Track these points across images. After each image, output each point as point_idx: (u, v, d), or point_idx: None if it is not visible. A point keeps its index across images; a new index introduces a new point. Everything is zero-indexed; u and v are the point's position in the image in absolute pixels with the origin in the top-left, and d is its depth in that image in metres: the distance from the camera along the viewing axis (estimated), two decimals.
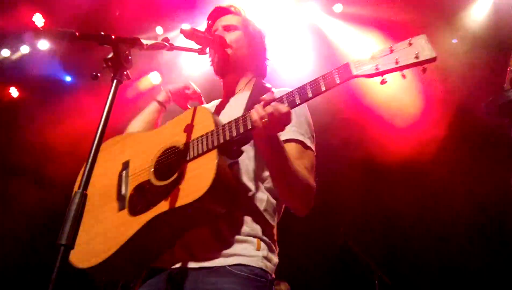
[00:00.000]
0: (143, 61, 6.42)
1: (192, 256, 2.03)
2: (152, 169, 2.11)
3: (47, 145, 6.53)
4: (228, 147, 2.01)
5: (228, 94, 2.52)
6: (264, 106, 1.85)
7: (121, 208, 2.09)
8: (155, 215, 1.92)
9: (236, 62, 2.46)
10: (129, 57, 1.69)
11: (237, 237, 2.06)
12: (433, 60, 1.73)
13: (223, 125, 2.00)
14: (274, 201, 2.24)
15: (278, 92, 2.36)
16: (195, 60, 6.05)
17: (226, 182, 1.95)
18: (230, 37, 2.47)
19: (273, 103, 1.84)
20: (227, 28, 2.52)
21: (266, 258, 2.10)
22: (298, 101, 1.88)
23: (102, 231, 2.07)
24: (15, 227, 6.52)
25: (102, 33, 1.61)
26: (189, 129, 2.11)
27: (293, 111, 1.95)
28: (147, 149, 2.22)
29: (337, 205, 6.28)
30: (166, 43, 1.96)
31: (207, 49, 2.38)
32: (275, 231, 2.25)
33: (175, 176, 1.99)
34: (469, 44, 5.49)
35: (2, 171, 6.92)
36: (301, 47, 6.16)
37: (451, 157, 5.78)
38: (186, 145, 2.06)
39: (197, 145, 2.02)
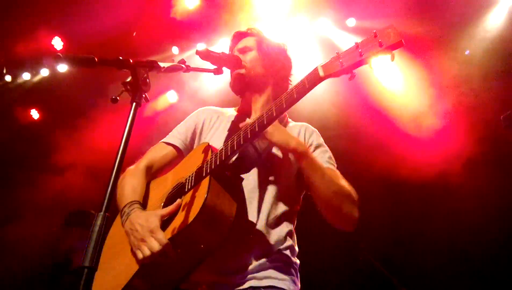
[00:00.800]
0: (161, 80, 6.53)
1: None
2: (162, 206, 2.17)
3: (69, 167, 6.63)
4: (222, 173, 2.06)
5: (243, 110, 2.61)
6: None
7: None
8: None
9: (251, 80, 2.53)
10: (147, 80, 1.73)
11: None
12: (399, 44, 1.69)
13: (216, 154, 2.07)
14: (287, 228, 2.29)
15: (293, 126, 2.45)
16: (211, 78, 6.11)
17: (219, 207, 1.95)
18: (244, 58, 2.55)
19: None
20: (242, 51, 2.60)
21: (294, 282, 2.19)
22: (274, 114, 1.94)
23: (117, 271, 2.10)
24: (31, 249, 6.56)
25: (121, 58, 1.65)
26: (193, 165, 2.18)
27: (316, 142, 2.35)
28: (159, 192, 2.30)
29: (359, 221, 6.22)
30: (183, 65, 2.00)
31: (223, 68, 2.42)
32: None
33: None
34: (484, 55, 5.45)
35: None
36: (314, 63, 6.18)
37: (478, 173, 5.69)
38: (187, 178, 2.14)
39: (195, 175, 2.10)
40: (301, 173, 2.21)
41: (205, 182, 1.99)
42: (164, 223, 2.00)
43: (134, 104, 1.65)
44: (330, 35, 6.21)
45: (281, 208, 2.27)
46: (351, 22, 6.09)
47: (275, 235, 2.21)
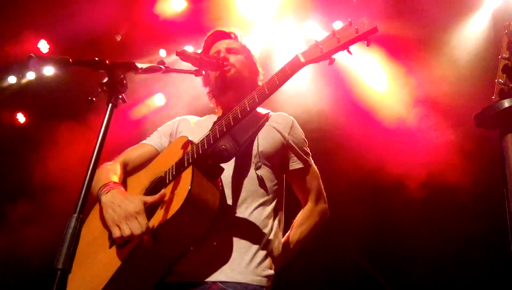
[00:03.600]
0: (148, 83, 6.51)
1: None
2: None
3: (51, 172, 6.58)
4: (204, 163, 2.06)
5: (226, 111, 2.56)
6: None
7: (111, 244, 2.11)
8: (136, 242, 1.93)
9: (237, 81, 2.54)
10: (124, 81, 1.72)
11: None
12: (374, 30, 1.83)
13: (197, 143, 2.09)
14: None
15: (276, 115, 2.47)
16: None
17: (203, 196, 1.96)
18: (233, 58, 2.57)
19: None
20: (230, 51, 2.61)
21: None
22: (257, 100, 2.01)
23: (96, 269, 2.08)
24: (13, 256, 6.51)
25: (96, 58, 1.64)
26: (170, 158, 2.19)
27: (297, 137, 2.46)
28: (136, 186, 2.29)
29: (346, 221, 6.25)
30: (162, 66, 1.99)
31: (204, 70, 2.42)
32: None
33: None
34: (468, 57, 5.51)
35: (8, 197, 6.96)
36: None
37: (460, 173, 5.73)
38: (166, 171, 2.14)
39: (175, 166, 2.10)
40: (284, 163, 2.43)
41: (187, 172, 2.00)
42: (147, 212, 1.98)
43: (110, 105, 1.64)
44: (317, 38, 6.22)
45: (261, 198, 2.27)
46: (338, 25, 6.11)
47: (255, 226, 2.21)
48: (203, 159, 2.05)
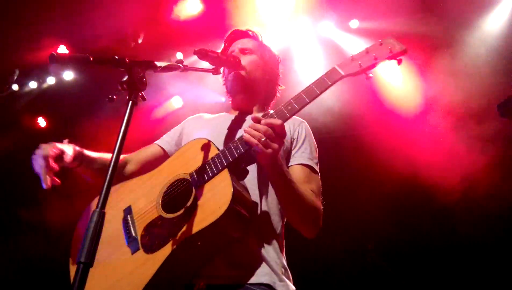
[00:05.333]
0: (167, 86, 6.59)
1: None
2: (160, 205, 2.13)
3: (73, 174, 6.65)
4: (237, 166, 2.06)
5: (242, 110, 2.61)
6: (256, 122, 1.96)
7: (134, 250, 2.08)
8: (178, 243, 1.92)
9: (248, 83, 2.55)
10: (144, 79, 1.74)
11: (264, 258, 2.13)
12: (404, 52, 2.03)
13: (228, 147, 2.06)
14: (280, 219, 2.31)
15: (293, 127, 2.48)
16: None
17: (242, 197, 1.97)
18: (245, 59, 2.56)
19: (264, 120, 1.94)
20: (243, 51, 2.61)
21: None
22: (297, 108, 2.03)
23: (121, 276, 2.04)
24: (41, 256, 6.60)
25: (116, 57, 1.66)
26: (191, 160, 2.16)
27: (301, 136, 2.33)
28: (147, 191, 2.25)
29: (366, 222, 6.21)
30: (180, 65, 2.00)
31: (221, 69, 2.43)
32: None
33: (188, 204, 2.00)
34: (486, 55, 5.44)
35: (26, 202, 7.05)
36: (318, 64, 6.18)
37: (485, 177, 5.65)
38: (193, 174, 2.10)
39: (205, 170, 2.06)
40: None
41: (223, 176, 2.00)
42: (181, 216, 1.99)
43: (130, 102, 1.66)
44: (333, 37, 6.21)
45: (273, 200, 2.27)
46: (354, 23, 6.08)
47: (273, 229, 2.23)
48: (236, 163, 2.05)
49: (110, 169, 1.50)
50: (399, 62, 2.04)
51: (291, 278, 2.24)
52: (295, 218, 2.20)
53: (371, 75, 2.06)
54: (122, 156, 2.35)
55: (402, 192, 6.02)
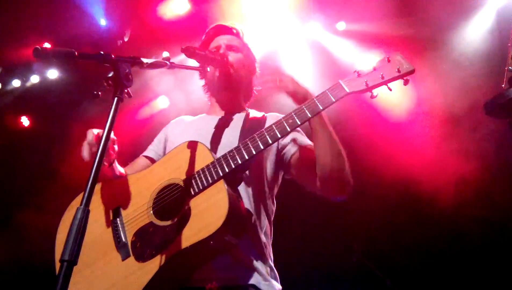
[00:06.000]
0: (152, 85, 6.54)
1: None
2: (151, 211, 2.07)
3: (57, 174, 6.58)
4: (232, 175, 2.03)
5: (223, 110, 2.60)
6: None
7: (125, 257, 2.03)
8: (172, 254, 1.88)
9: (235, 80, 2.54)
10: (130, 76, 1.71)
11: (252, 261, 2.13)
12: (412, 72, 1.97)
13: (224, 156, 2.03)
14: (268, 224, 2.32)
15: (270, 116, 2.46)
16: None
17: (238, 210, 1.94)
18: (232, 57, 2.54)
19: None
20: (230, 48, 2.60)
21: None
22: (298, 122, 2.01)
23: (111, 283, 1.99)
24: (17, 256, 6.52)
25: (102, 52, 1.64)
26: (184, 165, 2.10)
27: None
28: (137, 193, 2.18)
29: (351, 222, 6.24)
30: (167, 62, 1.98)
31: (208, 67, 2.41)
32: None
33: (181, 213, 1.96)
34: (471, 58, 5.50)
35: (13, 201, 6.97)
36: (305, 66, 6.19)
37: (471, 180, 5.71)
38: (187, 180, 2.04)
39: (200, 178, 2.01)
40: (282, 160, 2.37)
41: (219, 187, 1.95)
42: (176, 224, 1.95)
43: (116, 99, 1.64)
44: (320, 39, 6.23)
45: (262, 203, 2.28)
46: (341, 25, 6.10)
47: (260, 230, 2.23)
48: (232, 172, 2.02)
49: (95, 165, 1.47)
50: (406, 82, 1.99)
51: (277, 278, 2.24)
52: (338, 162, 2.14)
53: (376, 94, 2.01)
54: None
55: (389, 192, 6.05)
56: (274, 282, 2.18)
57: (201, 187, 1.99)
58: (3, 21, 6.06)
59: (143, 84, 6.52)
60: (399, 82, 1.99)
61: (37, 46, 1.44)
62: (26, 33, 6.22)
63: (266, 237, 2.25)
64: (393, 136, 5.91)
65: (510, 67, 1.27)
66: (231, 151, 2.04)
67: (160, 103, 6.98)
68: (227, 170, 1.98)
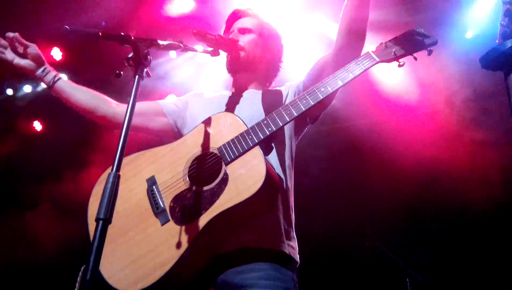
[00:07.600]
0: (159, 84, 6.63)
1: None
2: (187, 178, 2.15)
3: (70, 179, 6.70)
4: (266, 144, 2.13)
5: (239, 90, 2.66)
6: None
7: (164, 221, 2.08)
8: (213, 216, 1.96)
9: (247, 62, 2.62)
10: (148, 56, 1.82)
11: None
12: (435, 43, 2.16)
13: (258, 124, 2.13)
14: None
15: (290, 85, 2.54)
16: None
17: (273, 175, 2.04)
18: (243, 39, 2.63)
19: None
20: (242, 31, 2.69)
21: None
22: (330, 90, 2.15)
23: (151, 248, 2.04)
24: (32, 257, 6.63)
25: (122, 33, 1.75)
26: (217, 134, 2.20)
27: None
28: (172, 162, 2.25)
29: (364, 207, 6.31)
30: (181, 44, 2.08)
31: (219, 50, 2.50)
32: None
33: (219, 178, 2.05)
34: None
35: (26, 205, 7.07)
36: (309, 58, 6.25)
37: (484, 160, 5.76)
38: (221, 148, 2.13)
39: (235, 145, 2.10)
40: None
41: (255, 153, 2.05)
42: (212, 189, 2.04)
43: (136, 76, 1.75)
44: (325, 30, 6.28)
45: (289, 171, 2.38)
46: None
47: (287, 199, 2.33)
48: (266, 140, 2.11)
49: (123, 132, 1.58)
50: (429, 53, 2.15)
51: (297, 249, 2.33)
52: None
53: (402, 63, 2.16)
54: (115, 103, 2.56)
55: (402, 177, 6.11)
56: (295, 251, 2.27)
57: (237, 154, 2.07)
58: (13, 26, 6.17)
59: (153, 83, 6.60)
60: (423, 53, 2.15)
61: (66, 26, 1.56)
62: (36, 37, 6.31)
63: (289, 206, 2.33)
64: (407, 123, 5.98)
65: (502, 22, 1.37)
66: (264, 119, 2.14)
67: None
68: (262, 137, 2.08)
